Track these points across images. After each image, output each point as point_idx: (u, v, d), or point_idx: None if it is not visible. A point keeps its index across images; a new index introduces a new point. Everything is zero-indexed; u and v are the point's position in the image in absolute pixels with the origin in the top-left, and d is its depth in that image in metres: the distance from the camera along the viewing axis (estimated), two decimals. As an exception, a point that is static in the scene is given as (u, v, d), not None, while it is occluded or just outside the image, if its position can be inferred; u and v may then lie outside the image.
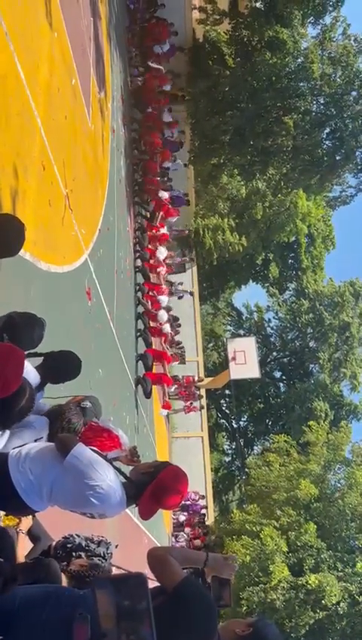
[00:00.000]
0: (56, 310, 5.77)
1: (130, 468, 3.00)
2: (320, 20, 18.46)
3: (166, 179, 17.88)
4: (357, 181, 22.40)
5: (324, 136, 19.32)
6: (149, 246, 16.17)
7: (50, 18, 6.10)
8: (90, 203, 8.34)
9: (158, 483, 2.72)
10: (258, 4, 18.15)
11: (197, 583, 2.36)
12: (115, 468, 2.80)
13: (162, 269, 16.81)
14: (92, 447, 2.81)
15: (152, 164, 16.47)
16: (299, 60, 18.25)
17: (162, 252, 16.65)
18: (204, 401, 26.56)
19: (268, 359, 38.44)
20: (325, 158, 19.27)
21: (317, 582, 18.09)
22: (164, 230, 17.55)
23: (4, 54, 4.64)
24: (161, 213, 17.05)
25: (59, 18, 6.58)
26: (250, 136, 18.92)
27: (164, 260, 16.95)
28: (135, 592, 1.96)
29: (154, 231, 16.93)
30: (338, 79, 18.17)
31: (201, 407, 26.17)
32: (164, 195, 17.14)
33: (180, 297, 23.97)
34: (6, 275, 4.37)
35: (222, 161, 21.53)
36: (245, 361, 27.30)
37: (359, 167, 20.33)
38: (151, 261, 16.22)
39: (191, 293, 26.67)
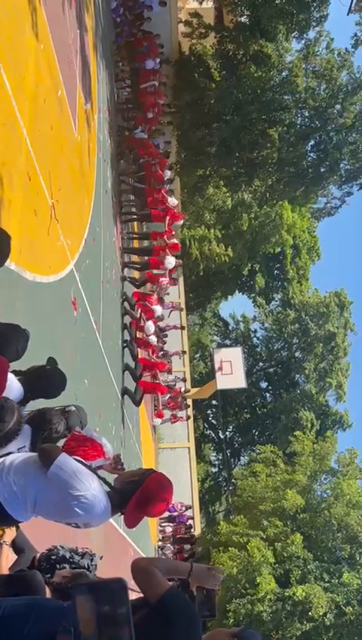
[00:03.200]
0: (41, 320, 5.75)
1: (115, 476, 2.99)
2: (304, 35, 18.75)
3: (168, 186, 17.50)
4: (342, 193, 22.67)
5: (309, 149, 19.55)
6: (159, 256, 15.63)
7: (36, 30, 6.14)
8: (76, 213, 8.34)
9: (143, 491, 2.71)
10: (243, 19, 18.40)
11: (182, 594, 2.33)
12: (100, 477, 2.79)
13: (164, 280, 16.27)
14: (75, 457, 2.79)
15: (157, 175, 16.23)
16: (284, 73, 18.50)
17: (170, 262, 16.00)
18: (190, 411, 26.51)
19: (255, 369, 38.55)
20: (310, 170, 19.49)
21: (304, 593, 18.00)
22: (175, 240, 16.86)
23: (-10, 65, 4.66)
24: (168, 218, 16.54)
25: (45, 30, 6.62)
26: (236, 148, 19.07)
27: (170, 271, 16.30)
28: (115, 597, 1.94)
29: (165, 237, 16.19)
30: (323, 92, 18.43)
31: (188, 418, 26.11)
32: (174, 202, 16.65)
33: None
34: (-9, 284, 4.36)
35: (208, 172, 21.65)
36: (231, 371, 27.32)
37: (343, 179, 20.58)
38: (156, 271, 15.82)
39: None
